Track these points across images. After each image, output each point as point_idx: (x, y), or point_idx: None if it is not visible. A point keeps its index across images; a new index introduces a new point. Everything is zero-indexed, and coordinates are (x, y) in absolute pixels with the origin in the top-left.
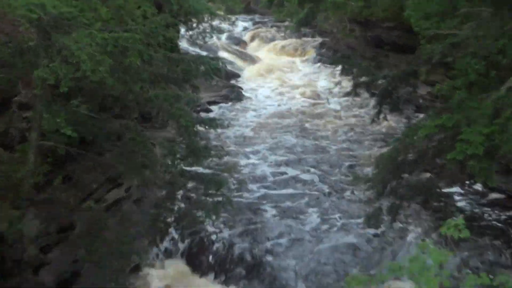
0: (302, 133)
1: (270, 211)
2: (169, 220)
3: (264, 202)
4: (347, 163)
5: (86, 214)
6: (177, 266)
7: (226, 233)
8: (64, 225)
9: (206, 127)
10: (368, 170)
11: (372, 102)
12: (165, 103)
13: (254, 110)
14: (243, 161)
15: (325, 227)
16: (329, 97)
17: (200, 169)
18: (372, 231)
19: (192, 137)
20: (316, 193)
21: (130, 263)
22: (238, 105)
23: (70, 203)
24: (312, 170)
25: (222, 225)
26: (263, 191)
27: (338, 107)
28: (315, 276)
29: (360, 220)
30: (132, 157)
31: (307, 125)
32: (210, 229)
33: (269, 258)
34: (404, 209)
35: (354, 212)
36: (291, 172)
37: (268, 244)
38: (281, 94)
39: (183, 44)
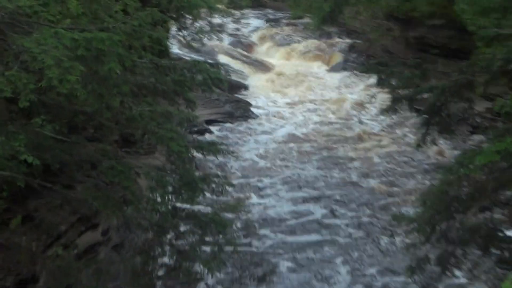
0: (326, 162)
1: (285, 264)
2: (157, 273)
3: (278, 252)
4: (383, 201)
5: (52, 263)
6: None
7: None
8: (25, 277)
9: (205, 153)
10: (411, 209)
11: (417, 121)
12: (152, 122)
13: (266, 132)
14: (252, 198)
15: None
16: (361, 115)
17: (197, 207)
18: None
19: (186, 165)
20: (344, 240)
21: None
22: (245, 125)
23: (32, 249)
24: (340, 210)
25: (220, 286)
26: (277, 237)
27: (373, 129)
28: None
29: (403, 278)
30: (111, 191)
31: (333, 152)
32: None
33: None
34: (457, 258)
35: (394, 264)
36: (313, 212)
37: None
38: (300, 111)
39: (175, 48)
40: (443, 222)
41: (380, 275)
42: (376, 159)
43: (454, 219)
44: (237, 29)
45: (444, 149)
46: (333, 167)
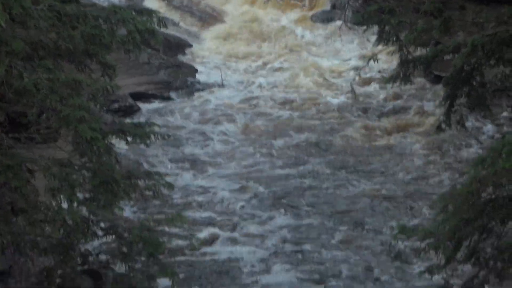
0: (304, 155)
1: None
2: None
3: None
4: (383, 209)
5: None
6: None
7: None
8: None
9: (129, 139)
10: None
11: (437, 93)
12: (52, 96)
13: (217, 110)
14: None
15: None
16: (356, 85)
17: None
18: None
19: (102, 158)
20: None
21: None
22: (188, 101)
23: None
24: (325, 222)
25: None
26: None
27: (370, 106)
28: None
29: None
30: None
31: (314, 141)
32: None
33: None
34: (493, 286)
35: None
36: (289, 235)
37: None
38: (268, 81)
39: None
40: (473, 236)
41: None
42: (374, 149)
43: (489, 231)
44: None
45: (475, 132)
46: (315, 164)
